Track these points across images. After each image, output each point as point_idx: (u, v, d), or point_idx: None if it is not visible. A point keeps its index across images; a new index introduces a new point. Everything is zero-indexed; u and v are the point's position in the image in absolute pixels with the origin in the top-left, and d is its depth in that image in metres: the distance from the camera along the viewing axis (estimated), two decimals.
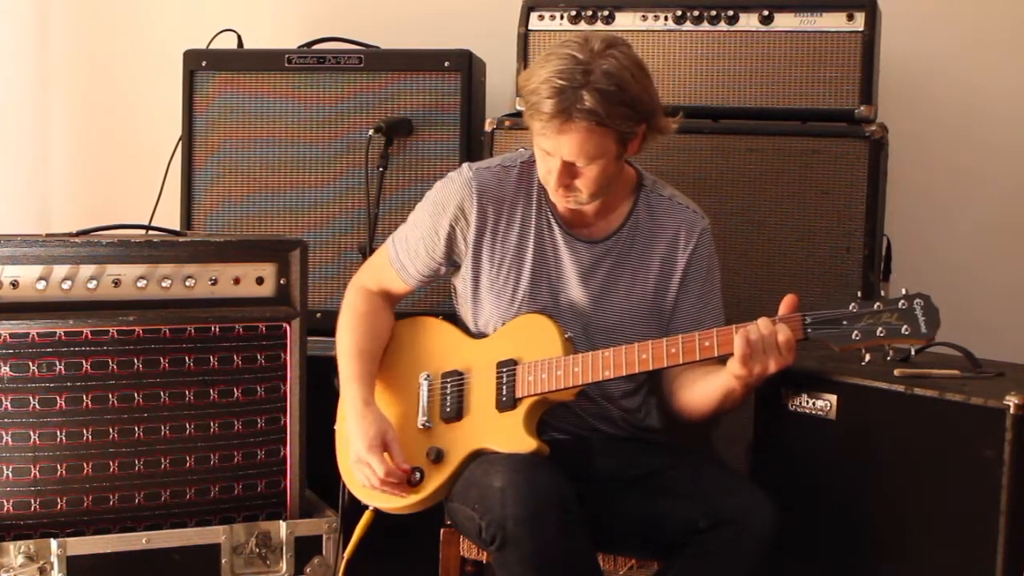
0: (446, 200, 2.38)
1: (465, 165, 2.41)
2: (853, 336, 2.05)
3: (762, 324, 2.08)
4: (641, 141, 2.27)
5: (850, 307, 2.07)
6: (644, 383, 2.41)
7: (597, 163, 2.21)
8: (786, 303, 2.12)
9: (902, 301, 2.04)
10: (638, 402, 2.41)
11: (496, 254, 2.37)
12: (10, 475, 2.39)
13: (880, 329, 2.04)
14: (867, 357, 2.08)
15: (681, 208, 2.40)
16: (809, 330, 2.08)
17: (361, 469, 2.29)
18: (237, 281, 2.55)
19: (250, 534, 2.52)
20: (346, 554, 2.44)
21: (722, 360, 2.15)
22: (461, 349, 2.37)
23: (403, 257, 2.44)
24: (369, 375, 2.40)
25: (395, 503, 2.32)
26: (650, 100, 2.23)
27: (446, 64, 2.94)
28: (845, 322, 2.06)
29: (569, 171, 2.22)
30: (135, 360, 2.47)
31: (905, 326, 2.02)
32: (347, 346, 2.43)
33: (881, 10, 2.68)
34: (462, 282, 2.42)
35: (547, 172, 2.25)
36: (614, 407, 2.37)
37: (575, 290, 2.35)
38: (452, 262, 2.42)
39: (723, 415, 2.31)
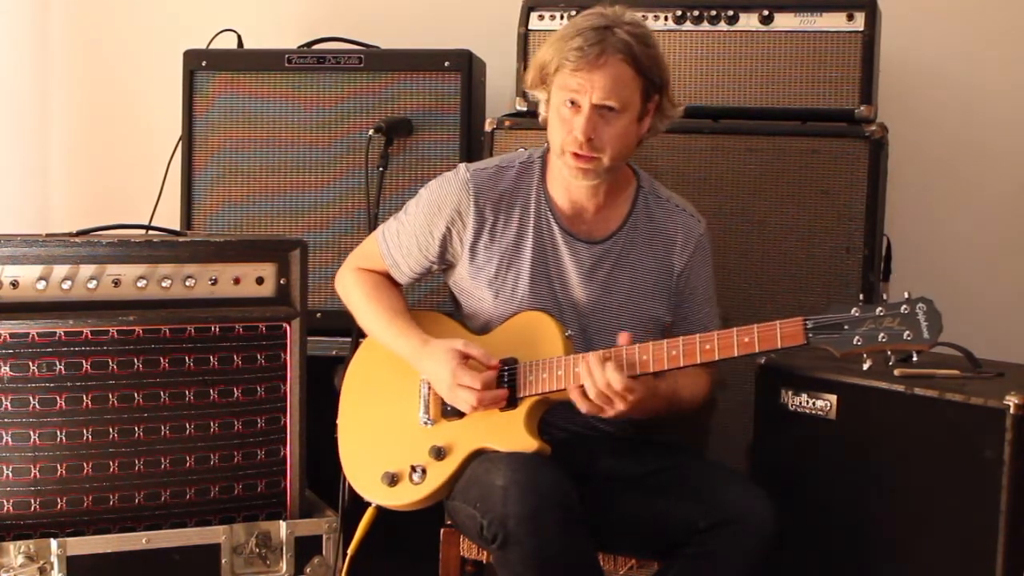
0: (442, 201, 2.38)
1: (462, 166, 2.41)
2: (855, 342, 2.03)
3: (599, 379, 2.12)
4: (652, 118, 2.30)
5: (852, 311, 2.04)
6: None
7: (623, 116, 2.23)
8: (623, 342, 2.16)
9: (904, 305, 2.01)
10: None
11: (495, 254, 2.37)
12: (10, 475, 2.39)
13: (882, 335, 2.01)
14: (868, 363, 2.06)
15: (679, 211, 2.41)
16: (811, 335, 2.07)
17: (460, 395, 2.24)
18: (237, 281, 2.55)
19: (250, 534, 2.52)
20: (349, 552, 2.44)
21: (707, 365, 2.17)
22: None
23: (395, 254, 2.44)
24: (414, 325, 2.37)
25: (397, 499, 2.31)
26: (665, 68, 2.28)
27: (446, 64, 2.94)
28: (846, 327, 2.04)
29: (599, 117, 2.22)
30: (135, 360, 2.47)
31: (907, 331, 2.00)
32: (376, 313, 2.42)
33: (881, 10, 2.68)
34: (459, 282, 2.42)
35: (568, 131, 2.23)
36: None
37: (576, 290, 2.35)
38: (445, 261, 2.43)
39: (688, 412, 2.34)
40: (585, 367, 2.13)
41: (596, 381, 2.11)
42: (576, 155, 2.24)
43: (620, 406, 2.12)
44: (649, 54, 2.23)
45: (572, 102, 2.22)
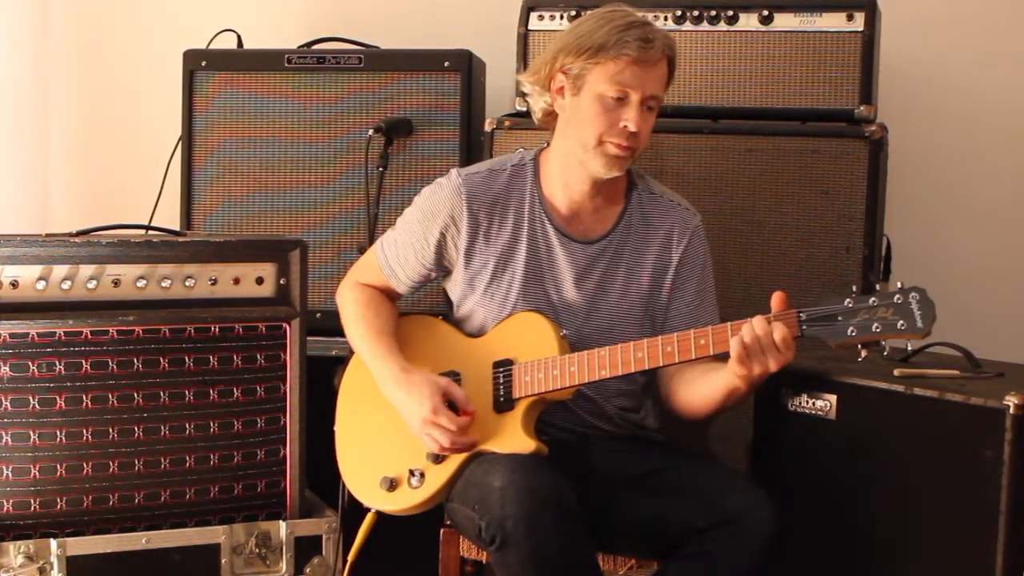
0: (436, 208, 2.38)
1: (454, 171, 2.41)
2: (848, 332, 2.04)
3: (757, 324, 2.07)
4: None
5: (845, 302, 2.05)
6: (641, 382, 2.41)
7: (657, 108, 2.29)
8: (777, 300, 2.11)
9: (897, 295, 2.02)
10: (636, 401, 2.41)
11: (490, 257, 2.37)
12: (10, 475, 2.39)
13: (876, 325, 2.02)
14: (863, 353, 2.07)
15: (673, 206, 2.41)
16: (804, 327, 2.07)
17: (430, 432, 2.23)
18: (237, 281, 2.55)
19: (250, 534, 2.52)
20: (350, 557, 2.44)
21: (719, 357, 2.15)
22: (457, 349, 2.37)
23: (393, 263, 2.44)
24: (397, 349, 2.37)
25: (396, 504, 2.31)
26: None
27: (446, 64, 2.94)
28: (840, 318, 2.05)
29: (643, 113, 2.25)
30: (135, 360, 2.46)
31: (901, 321, 2.01)
32: (363, 331, 2.41)
33: (881, 10, 2.68)
34: (455, 287, 2.42)
35: (612, 123, 2.24)
36: (611, 406, 2.37)
37: (570, 291, 2.35)
38: (443, 268, 2.43)
39: (724, 412, 2.30)
40: (749, 327, 2.07)
41: (759, 332, 2.06)
42: (619, 146, 2.25)
43: (773, 365, 2.08)
44: (676, 50, 2.30)
45: (621, 94, 2.23)
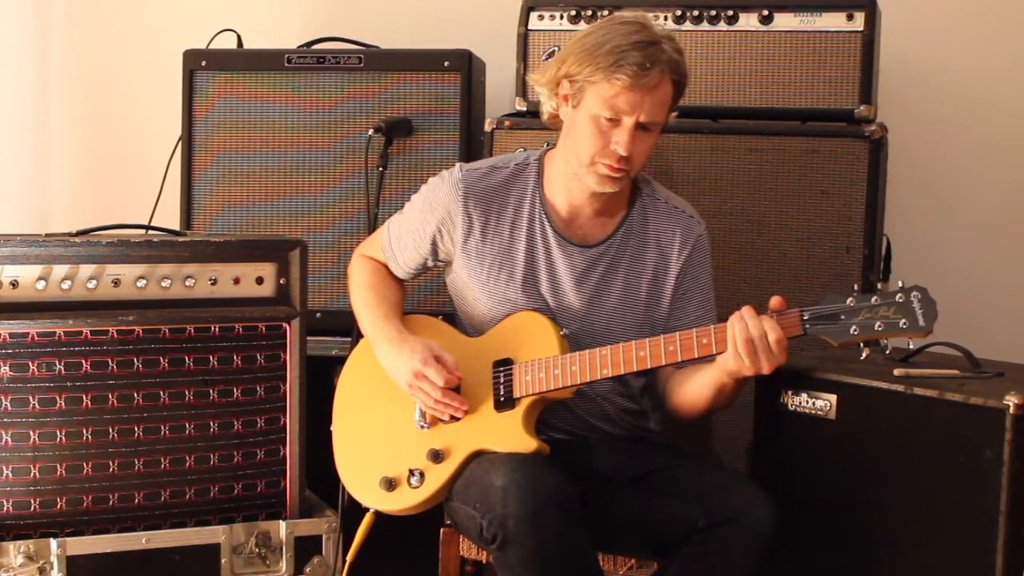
0: (434, 201, 2.39)
1: (457, 166, 2.41)
2: (851, 331, 2.05)
3: (752, 325, 2.08)
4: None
5: (847, 301, 2.06)
6: (640, 383, 2.41)
7: (656, 131, 2.26)
8: (775, 305, 2.10)
9: (899, 294, 2.03)
10: (636, 401, 2.41)
11: (486, 256, 2.37)
12: (10, 475, 2.39)
13: (878, 323, 2.03)
14: (865, 352, 2.08)
15: (677, 212, 2.40)
16: (807, 325, 2.08)
17: (418, 388, 2.27)
18: (237, 281, 2.55)
19: (250, 534, 2.52)
20: (348, 558, 2.44)
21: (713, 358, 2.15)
22: (457, 348, 2.36)
23: (395, 247, 2.46)
24: (397, 316, 2.40)
25: (395, 504, 2.31)
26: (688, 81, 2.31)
27: (446, 64, 2.94)
28: (843, 317, 2.06)
29: (638, 132, 2.22)
30: (135, 360, 2.47)
31: (903, 320, 2.02)
32: (366, 297, 2.44)
33: (881, 10, 2.68)
34: (455, 282, 2.43)
35: (604, 145, 2.22)
36: (612, 406, 2.37)
37: (568, 294, 2.35)
38: (440, 259, 2.43)
39: (716, 412, 2.30)
40: (743, 327, 2.06)
41: (753, 333, 2.06)
42: (611, 167, 2.24)
43: (766, 367, 2.07)
44: (685, 72, 2.26)
45: (614, 116, 2.21)
